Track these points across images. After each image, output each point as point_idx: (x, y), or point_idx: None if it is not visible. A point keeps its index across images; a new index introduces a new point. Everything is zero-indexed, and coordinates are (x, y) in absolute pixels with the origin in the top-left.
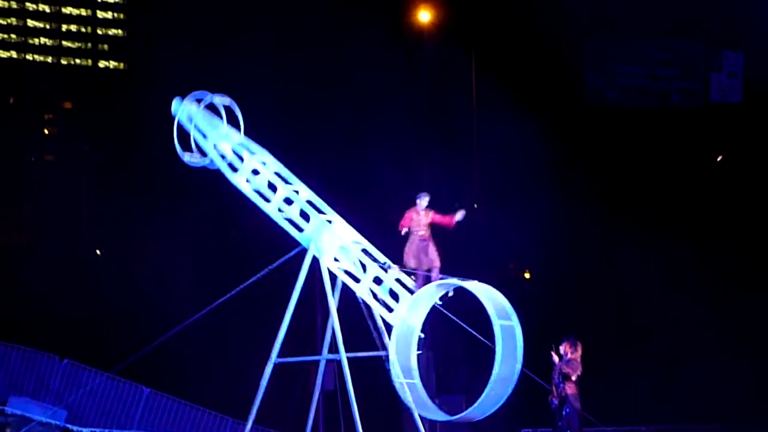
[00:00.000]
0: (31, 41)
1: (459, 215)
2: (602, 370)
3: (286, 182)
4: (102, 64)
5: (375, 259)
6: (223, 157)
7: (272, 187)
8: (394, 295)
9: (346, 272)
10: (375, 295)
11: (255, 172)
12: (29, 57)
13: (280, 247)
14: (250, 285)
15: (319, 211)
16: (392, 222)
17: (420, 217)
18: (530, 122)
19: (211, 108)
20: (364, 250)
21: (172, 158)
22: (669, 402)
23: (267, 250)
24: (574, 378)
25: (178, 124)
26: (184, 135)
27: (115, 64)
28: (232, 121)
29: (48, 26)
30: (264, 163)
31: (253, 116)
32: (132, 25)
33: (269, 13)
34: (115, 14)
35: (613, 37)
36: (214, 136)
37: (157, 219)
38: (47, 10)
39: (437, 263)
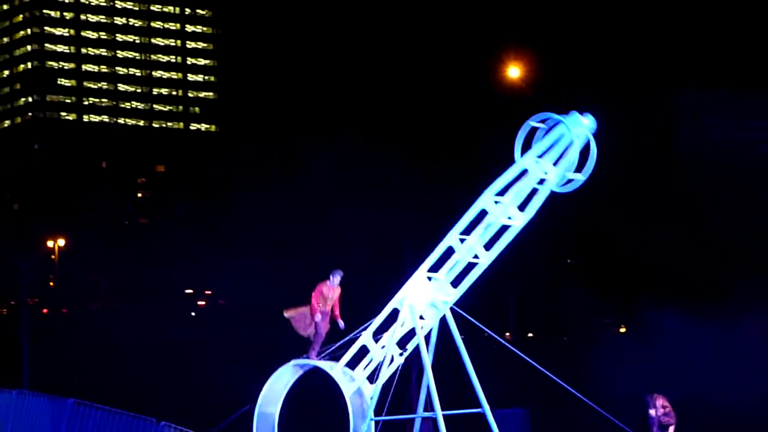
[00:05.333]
0: (122, 105)
1: (341, 324)
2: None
3: (489, 245)
4: (194, 126)
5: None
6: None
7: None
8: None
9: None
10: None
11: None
12: (121, 121)
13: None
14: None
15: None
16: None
17: (329, 292)
18: (620, 173)
19: None
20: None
21: (263, 220)
22: None
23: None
24: (672, 429)
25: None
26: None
27: (207, 126)
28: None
29: (139, 90)
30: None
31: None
32: (223, 88)
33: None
34: (206, 77)
35: (707, 88)
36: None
37: (248, 280)
38: (138, 74)
39: (322, 337)
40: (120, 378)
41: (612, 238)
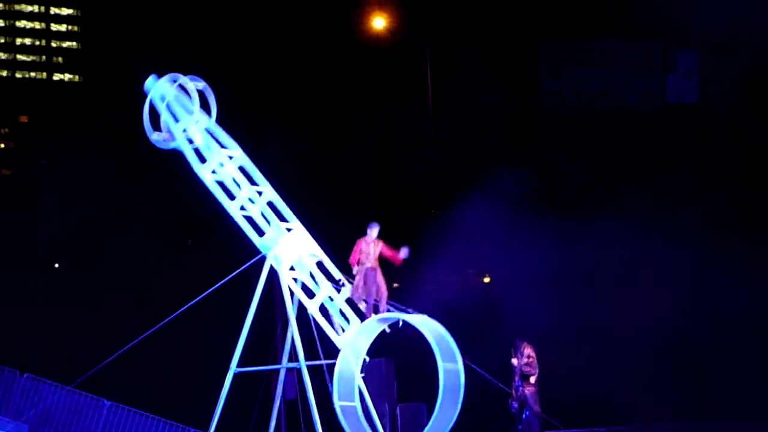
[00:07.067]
0: None
1: (403, 252)
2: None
3: (252, 182)
4: (57, 77)
5: (330, 276)
6: (191, 143)
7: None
8: (345, 316)
9: (303, 285)
10: (327, 312)
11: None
12: None
13: (239, 256)
14: (209, 295)
15: (282, 217)
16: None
17: (369, 248)
18: (487, 126)
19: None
20: (320, 264)
21: (128, 168)
22: (634, 402)
23: (226, 259)
24: (533, 380)
25: (150, 102)
26: (155, 115)
27: (71, 76)
28: (205, 108)
29: (2, 40)
30: (231, 157)
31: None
32: (87, 38)
33: (226, 25)
34: (70, 27)
35: (568, 38)
36: (185, 120)
37: (122, 230)
38: (1, 23)
39: (385, 293)
40: None
41: (478, 190)
